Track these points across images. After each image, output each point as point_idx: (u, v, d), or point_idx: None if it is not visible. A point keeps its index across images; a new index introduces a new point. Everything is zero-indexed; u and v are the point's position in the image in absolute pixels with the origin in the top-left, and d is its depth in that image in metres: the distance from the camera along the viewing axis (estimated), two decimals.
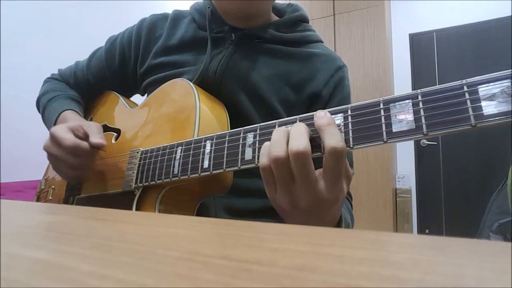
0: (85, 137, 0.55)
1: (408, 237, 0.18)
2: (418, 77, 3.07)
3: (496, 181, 0.81)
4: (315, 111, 0.37)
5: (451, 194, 2.89)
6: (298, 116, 0.38)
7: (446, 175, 2.93)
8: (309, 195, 0.35)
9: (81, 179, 0.61)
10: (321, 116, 0.35)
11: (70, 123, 0.56)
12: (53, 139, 0.53)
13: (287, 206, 0.37)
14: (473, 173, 2.81)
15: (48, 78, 0.79)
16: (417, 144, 3.03)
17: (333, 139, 0.33)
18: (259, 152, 0.38)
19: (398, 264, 0.13)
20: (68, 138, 0.52)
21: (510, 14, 2.72)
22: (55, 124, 0.65)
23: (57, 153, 0.53)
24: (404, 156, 3.04)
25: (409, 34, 3.12)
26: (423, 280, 0.11)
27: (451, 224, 2.87)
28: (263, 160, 0.36)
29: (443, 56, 2.99)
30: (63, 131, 0.53)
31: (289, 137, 0.35)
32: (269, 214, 0.59)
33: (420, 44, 3.09)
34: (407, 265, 0.13)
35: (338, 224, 0.42)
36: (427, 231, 2.93)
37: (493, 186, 0.83)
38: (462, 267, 0.13)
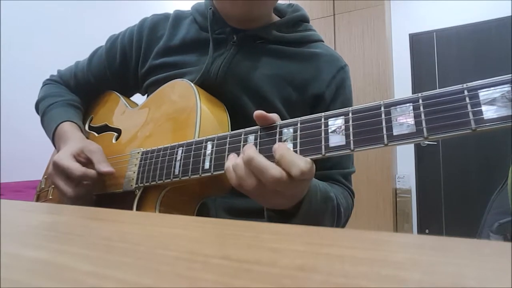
0: (88, 163, 0.55)
1: (408, 237, 0.18)
2: (418, 77, 3.07)
3: (496, 181, 0.81)
4: (318, 112, 0.38)
5: (451, 194, 2.89)
6: (299, 119, 0.38)
7: (446, 175, 2.92)
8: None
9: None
10: (274, 149, 0.37)
11: (71, 148, 0.56)
12: (58, 168, 0.53)
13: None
14: (473, 173, 2.81)
15: (47, 80, 0.78)
16: (417, 144, 3.03)
17: (294, 168, 0.35)
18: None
19: (398, 264, 0.13)
20: (76, 167, 0.52)
21: (510, 14, 2.72)
22: (54, 135, 0.65)
23: (60, 184, 0.53)
24: (404, 156, 3.03)
25: (409, 34, 3.12)
26: (423, 280, 0.11)
27: (451, 224, 2.87)
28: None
29: (443, 56, 2.99)
30: (68, 160, 0.53)
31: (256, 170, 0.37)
32: None
33: (420, 44, 3.09)
34: (407, 265, 0.13)
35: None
36: (427, 231, 2.93)
37: (493, 186, 0.83)
38: (462, 267, 0.13)
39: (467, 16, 2.90)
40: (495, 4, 2.79)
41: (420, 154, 3.03)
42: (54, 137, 0.65)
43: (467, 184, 2.83)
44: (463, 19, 2.92)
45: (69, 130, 0.64)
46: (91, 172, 0.53)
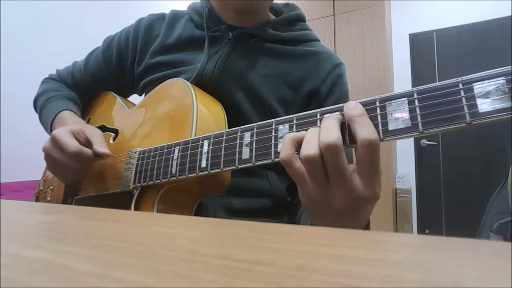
0: (87, 143, 0.54)
1: (408, 237, 0.18)
2: (418, 77, 3.07)
3: (496, 181, 0.81)
4: (312, 109, 0.37)
5: (451, 194, 2.89)
6: (295, 115, 0.38)
7: (446, 175, 2.92)
8: (344, 193, 0.33)
9: (79, 182, 0.61)
10: (352, 107, 0.33)
11: (72, 126, 0.55)
12: (55, 142, 0.52)
13: (322, 202, 0.34)
14: (473, 173, 2.81)
15: (46, 78, 0.79)
16: (417, 144, 3.03)
17: (366, 131, 0.31)
18: (256, 151, 0.38)
19: (398, 264, 0.13)
20: (72, 144, 0.51)
21: (510, 14, 2.72)
22: (52, 124, 0.64)
23: (58, 157, 0.53)
24: (404, 156, 3.03)
25: (409, 34, 3.12)
26: (423, 280, 0.11)
27: (451, 224, 2.87)
28: (296, 164, 0.34)
29: (443, 56, 2.99)
30: (65, 135, 0.52)
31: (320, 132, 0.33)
32: (269, 214, 0.59)
33: (420, 44, 3.09)
34: (407, 265, 0.13)
35: (366, 227, 0.40)
36: (427, 231, 2.92)
37: (493, 186, 0.83)
38: (462, 267, 0.13)
39: (467, 16, 2.90)
40: (495, 4, 2.79)
41: (420, 154, 3.03)
42: (52, 126, 0.64)
43: (467, 184, 2.82)
44: (463, 19, 2.92)
45: (69, 117, 0.64)
46: (86, 150, 0.52)
